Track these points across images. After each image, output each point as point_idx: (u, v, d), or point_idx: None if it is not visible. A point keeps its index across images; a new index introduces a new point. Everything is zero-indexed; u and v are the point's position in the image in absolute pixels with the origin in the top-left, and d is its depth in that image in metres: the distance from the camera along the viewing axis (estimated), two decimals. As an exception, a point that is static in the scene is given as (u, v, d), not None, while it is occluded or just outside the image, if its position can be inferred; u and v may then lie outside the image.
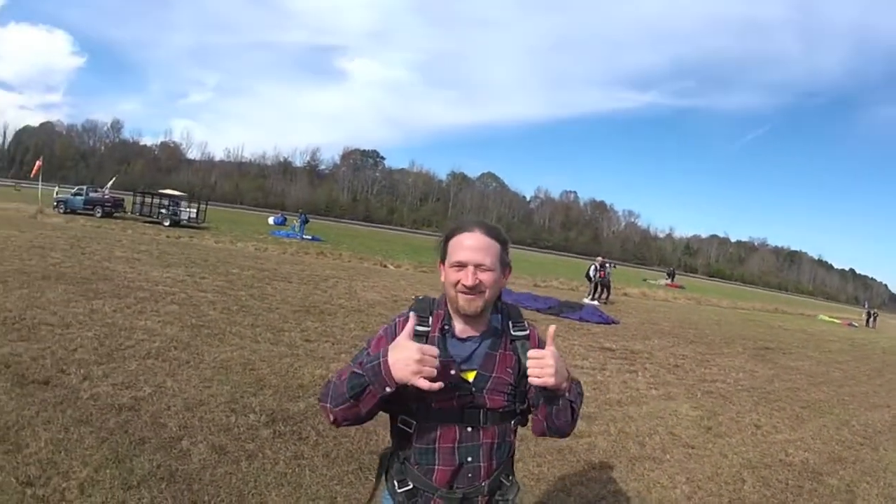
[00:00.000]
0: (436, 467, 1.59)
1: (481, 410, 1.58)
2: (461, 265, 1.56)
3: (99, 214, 26.55)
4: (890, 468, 5.78)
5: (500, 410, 1.61)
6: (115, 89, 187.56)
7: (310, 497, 3.38)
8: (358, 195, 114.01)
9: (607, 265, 21.15)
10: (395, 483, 1.64)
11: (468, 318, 1.61)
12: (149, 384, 4.80)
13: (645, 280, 42.49)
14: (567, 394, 1.57)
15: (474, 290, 1.54)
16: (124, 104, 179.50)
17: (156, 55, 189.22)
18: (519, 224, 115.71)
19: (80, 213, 26.11)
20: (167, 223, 26.28)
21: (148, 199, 29.67)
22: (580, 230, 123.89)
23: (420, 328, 1.58)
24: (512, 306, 1.74)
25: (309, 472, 3.67)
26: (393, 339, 1.54)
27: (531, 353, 1.51)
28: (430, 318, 1.63)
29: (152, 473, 3.33)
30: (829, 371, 12.05)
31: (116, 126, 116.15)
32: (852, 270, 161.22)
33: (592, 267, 20.44)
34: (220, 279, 11.22)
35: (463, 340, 1.62)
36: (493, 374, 1.60)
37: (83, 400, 4.26)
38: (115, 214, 27.80)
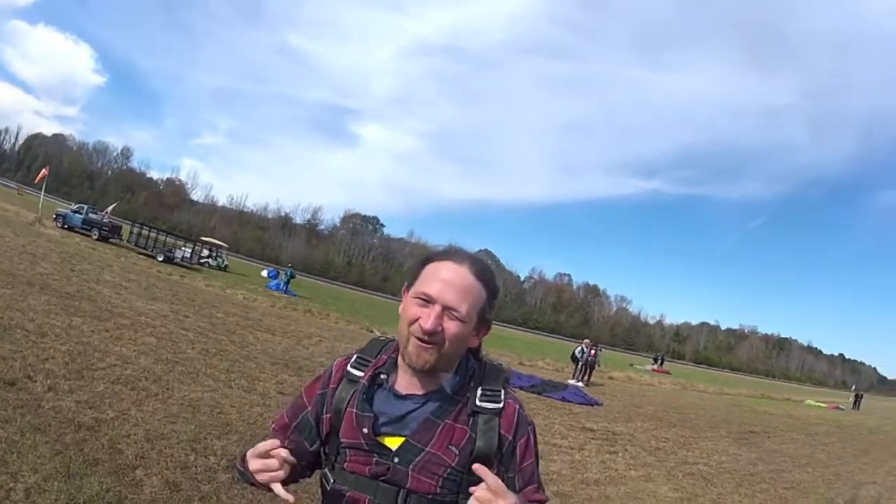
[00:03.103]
0: None
1: (400, 490, 1.20)
2: (427, 300, 1.21)
3: (95, 237, 26.41)
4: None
5: (429, 497, 1.20)
6: (131, 116, 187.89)
7: (257, 552, 3.22)
8: (354, 259, 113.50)
9: (598, 346, 21.04)
10: None
11: (416, 372, 1.25)
12: (113, 408, 4.67)
13: (631, 365, 41.92)
14: None
15: (431, 338, 1.19)
16: (137, 132, 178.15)
17: (176, 90, 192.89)
18: (511, 303, 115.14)
19: (76, 231, 26.04)
20: (160, 258, 26.18)
21: (145, 232, 29.55)
22: (570, 313, 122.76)
23: (356, 373, 1.31)
24: (493, 368, 1.34)
25: (261, 525, 3.52)
26: (327, 383, 1.35)
27: (482, 488, 1.09)
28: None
29: (100, 496, 3.19)
30: (814, 453, 11.80)
31: (126, 153, 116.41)
32: (842, 355, 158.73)
33: (579, 349, 20.15)
34: (203, 320, 11.06)
35: (402, 397, 1.26)
36: (428, 449, 1.21)
37: (44, 409, 4.16)
38: (111, 240, 27.68)
